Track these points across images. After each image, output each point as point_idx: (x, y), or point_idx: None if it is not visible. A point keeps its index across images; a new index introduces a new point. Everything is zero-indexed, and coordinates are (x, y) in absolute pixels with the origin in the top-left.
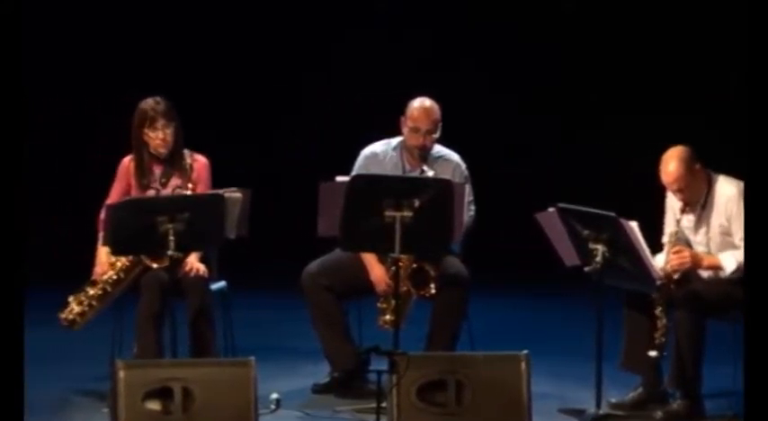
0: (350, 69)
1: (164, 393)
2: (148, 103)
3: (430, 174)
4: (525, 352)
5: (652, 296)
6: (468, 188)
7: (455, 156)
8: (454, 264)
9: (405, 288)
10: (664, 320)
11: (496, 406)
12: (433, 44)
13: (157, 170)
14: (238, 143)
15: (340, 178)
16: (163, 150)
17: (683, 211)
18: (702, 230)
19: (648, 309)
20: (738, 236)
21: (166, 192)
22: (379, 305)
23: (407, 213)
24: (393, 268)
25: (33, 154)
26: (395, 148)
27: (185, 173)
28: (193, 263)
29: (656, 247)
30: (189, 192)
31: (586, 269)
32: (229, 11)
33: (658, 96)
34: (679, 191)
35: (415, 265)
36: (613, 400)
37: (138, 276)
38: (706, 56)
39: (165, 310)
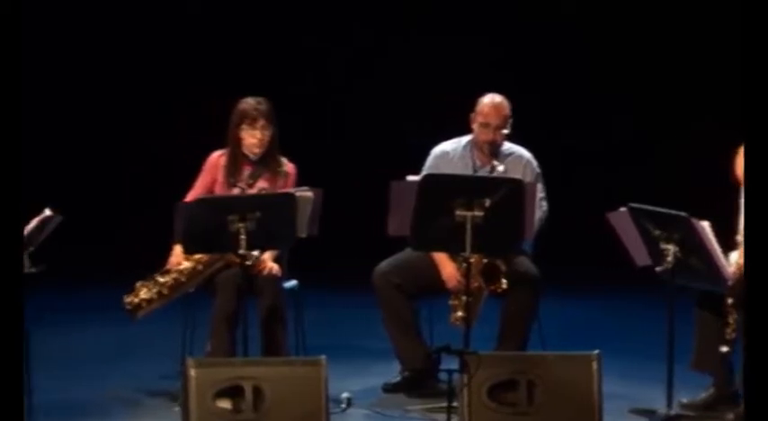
0: (422, 68)
1: (235, 392)
2: (250, 103)
3: (500, 168)
4: (596, 352)
5: (724, 295)
6: (540, 185)
7: (526, 153)
8: (525, 263)
9: (476, 284)
10: (735, 315)
11: (567, 406)
12: (505, 43)
13: (247, 170)
14: (310, 142)
15: (411, 177)
16: (257, 150)
17: None
18: None
19: (720, 308)
20: None
21: (252, 192)
22: (450, 302)
23: (478, 213)
24: (464, 265)
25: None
26: (465, 147)
27: (274, 177)
28: (267, 262)
29: (730, 247)
30: (261, 191)
31: (658, 269)
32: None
33: (731, 95)
34: None
35: (485, 261)
36: (684, 401)
37: (215, 272)
38: None
39: (240, 310)
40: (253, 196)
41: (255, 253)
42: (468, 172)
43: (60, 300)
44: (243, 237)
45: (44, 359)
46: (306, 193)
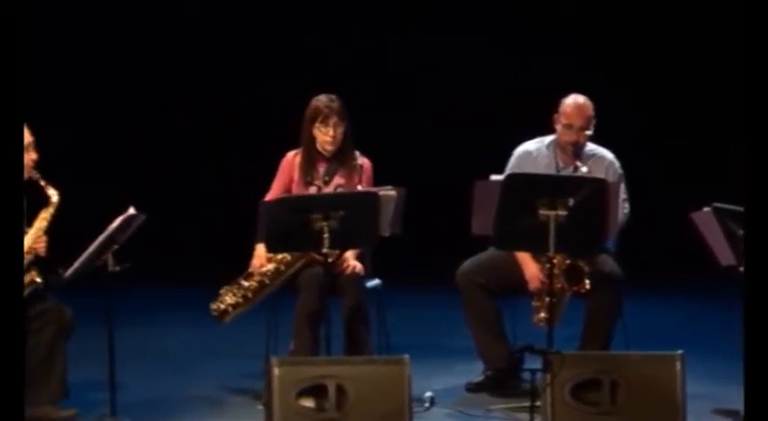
0: (506, 67)
1: (318, 390)
2: (322, 100)
3: (583, 170)
4: (680, 352)
5: None
6: (622, 186)
7: (609, 154)
8: (608, 262)
9: (559, 285)
10: None
11: (651, 406)
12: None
13: (322, 167)
14: (393, 141)
15: (494, 177)
16: (330, 148)
17: None
18: None
19: None
20: None
21: (328, 190)
22: (533, 303)
23: (562, 212)
24: (547, 266)
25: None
26: (548, 147)
27: (350, 172)
28: (350, 260)
29: None
30: (344, 190)
31: (742, 269)
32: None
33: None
34: None
35: (568, 262)
36: None
37: (298, 271)
38: None
39: (323, 309)
40: (336, 195)
41: (324, 250)
42: (551, 172)
43: (145, 298)
44: (326, 235)
45: (129, 357)
46: (389, 192)
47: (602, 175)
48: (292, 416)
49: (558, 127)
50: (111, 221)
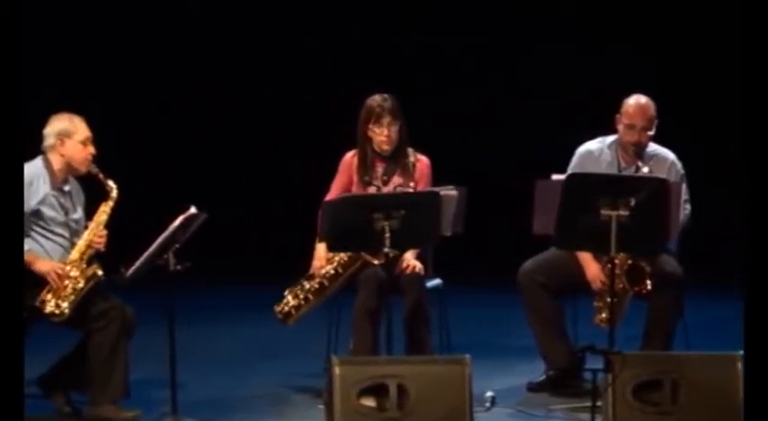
0: (568, 66)
1: (379, 390)
2: (375, 100)
3: (645, 170)
4: (741, 352)
5: None
6: (684, 186)
7: (670, 155)
8: (670, 262)
9: (620, 285)
10: None
11: (711, 406)
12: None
13: (380, 167)
14: (456, 140)
15: (556, 176)
16: (386, 147)
17: None
18: None
19: None
20: None
21: (387, 189)
22: (594, 304)
23: (623, 212)
24: (608, 266)
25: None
26: (610, 146)
27: (408, 171)
28: (410, 260)
29: None
30: (406, 190)
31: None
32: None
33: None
34: None
35: (630, 262)
36: None
37: (356, 272)
38: None
39: (382, 307)
40: (398, 194)
41: (386, 250)
42: (613, 172)
43: (207, 297)
44: (387, 235)
45: (189, 356)
46: (450, 192)
47: (663, 176)
48: (353, 415)
49: (620, 127)
50: (172, 220)
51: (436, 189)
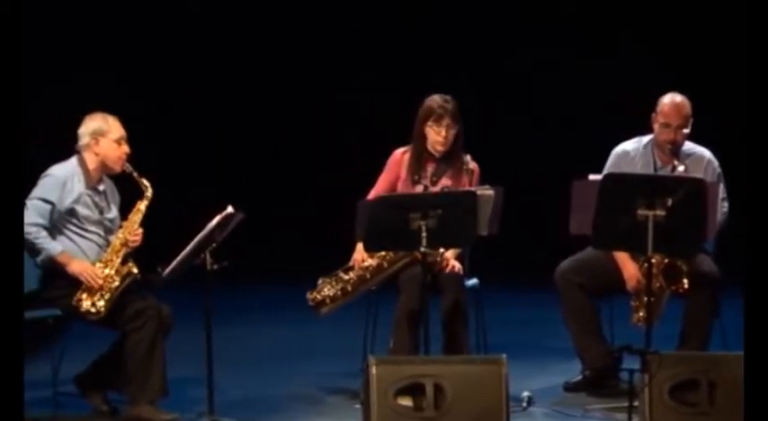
0: (603, 66)
1: (415, 389)
2: (436, 101)
3: (681, 168)
4: None
5: None
6: (721, 186)
7: (707, 153)
8: (707, 262)
9: (657, 284)
10: None
11: None
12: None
13: (430, 167)
14: (492, 140)
15: (593, 176)
16: (440, 148)
17: None
18: None
19: None
20: None
21: (435, 190)
22: (631, 303)
23: (660, 212)
24: (645, 265)
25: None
26: (646, 146)
27: (458, 175)
28: (450, 259)
29: None
30: (442, 189)
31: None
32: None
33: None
34: None
35: (666, 261)
36: None
37: (401, 268)
38: None
39: (423, 310)
40: (434, 194)
41: (422, 249)
42: (649, 172)
43: (244, 297)
44: (424, 234)
45: (227, 356)
46: (487, 191)
47: (700, 175)
48: (390, 414)
49: (656, 126)
50: (209, 220)
51: (473, 188)
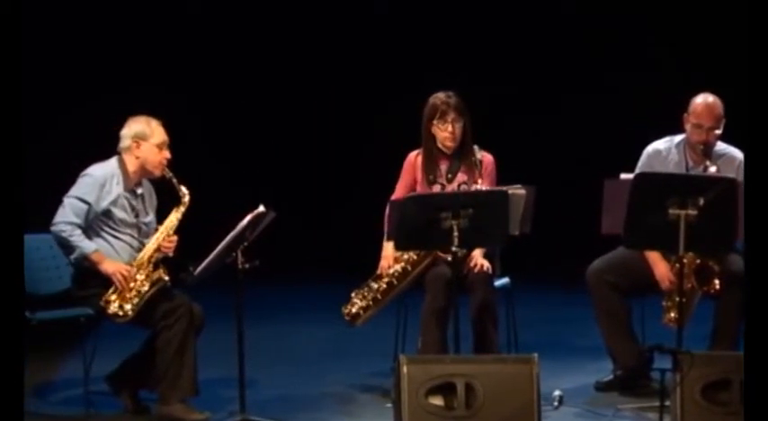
0: (636, 65)
1: (447, 388)
2: (439, 97)
3: (712, 169)
4: None
5: None
6: None
7: (739, 154)
8: (738, 262)
9: (689, 285)
10: None
11: None
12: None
13: (444, 165)
14: (524, 140)
15: (624, 176)
16: (450, 144)
17: None
18: None
19: None
20: None
21: (452, 187)
22: (663, 303)
23: (692, 211)
24: (677, 265)
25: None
26: (678, 146)
27: (472, 169)
28: (478, 259)
29: None
30: (474, 189)
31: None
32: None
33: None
34: None
35: (698, 262)
36: None
37: (425, 270)
38: None
39: (450, 307)
40: (466, 193)
41: (454, 248)
42: (681, 171)
43: (275, 296)
44: (455, 234)
45: (259, 355)
46: (518, 191)
47: (732, 175)
48: (421, 413)
49: (688, 126)
50: (240, 219)
51: (504, 188)
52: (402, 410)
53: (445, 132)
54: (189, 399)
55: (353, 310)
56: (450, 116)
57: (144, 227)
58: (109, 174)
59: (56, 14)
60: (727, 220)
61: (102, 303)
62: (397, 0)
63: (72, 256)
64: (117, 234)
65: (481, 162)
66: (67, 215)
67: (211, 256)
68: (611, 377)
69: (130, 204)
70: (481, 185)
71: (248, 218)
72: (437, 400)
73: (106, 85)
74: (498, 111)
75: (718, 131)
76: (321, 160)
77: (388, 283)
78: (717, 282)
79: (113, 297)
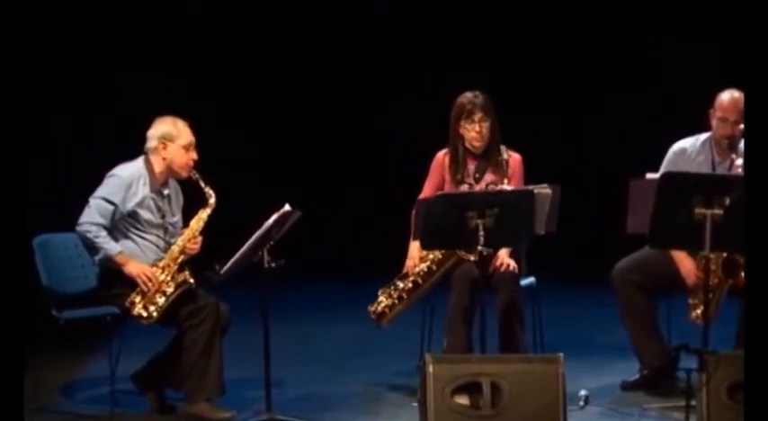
0: (661, 64)
1: (472, 388)
2: (467, 97)
3: (738, 162)
4: None
5: None
6: None
7: None
8: None
9: (715, 280)
10: None
11: None
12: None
13: (472, 165)
14: (550, 139)
15: (650, 175)
16: (477, 144)
17: None
18: None
19: None
20: None
21: (480, 187)
22: (689, 300)
23: (718, 211)
24: (703, 261)
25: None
26: (703, 143)
27: (500, 168)
28: (504, 258)
29: None
30: (500, 188)
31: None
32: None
33: None
34: None
35: (725, 255)
36: None
37: (450, 269)
38: None
39: (476, 306)
40: (492, 192)
41: (480, 248)
42: (707, 167)
43: (301, 295)
44: (481, 233)
45: (285, 353)
46: (544, 190)
47: None
48: (447, 413)
49: (714, 121)
50: (266, 218)
51: (530, 187)
52: (428, 409)
53: (472, 132)
54: (215, 398)
55: (380, 308)
56: (477, 116)
57: (170, 227)
58: (135, 175)
59: (63, 17)
60: None
61: (127, 304)
62: (397, 0)
63: (97, 257)
64: (143, 234)
65: (508, 162)
66: (93, 215)
67: (238, 255)
68: (637, 376)
69: (156, 205)
70: (508, 185)
71: (274, 217)
72: (463, 400)
73: (134, 87)
74: (524, 111)
75: (743, 126)
76: (351, 159)
77: (413, 282)
78: (743, 274)
79: (138, 298)
